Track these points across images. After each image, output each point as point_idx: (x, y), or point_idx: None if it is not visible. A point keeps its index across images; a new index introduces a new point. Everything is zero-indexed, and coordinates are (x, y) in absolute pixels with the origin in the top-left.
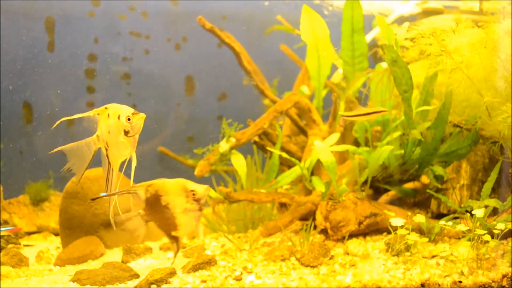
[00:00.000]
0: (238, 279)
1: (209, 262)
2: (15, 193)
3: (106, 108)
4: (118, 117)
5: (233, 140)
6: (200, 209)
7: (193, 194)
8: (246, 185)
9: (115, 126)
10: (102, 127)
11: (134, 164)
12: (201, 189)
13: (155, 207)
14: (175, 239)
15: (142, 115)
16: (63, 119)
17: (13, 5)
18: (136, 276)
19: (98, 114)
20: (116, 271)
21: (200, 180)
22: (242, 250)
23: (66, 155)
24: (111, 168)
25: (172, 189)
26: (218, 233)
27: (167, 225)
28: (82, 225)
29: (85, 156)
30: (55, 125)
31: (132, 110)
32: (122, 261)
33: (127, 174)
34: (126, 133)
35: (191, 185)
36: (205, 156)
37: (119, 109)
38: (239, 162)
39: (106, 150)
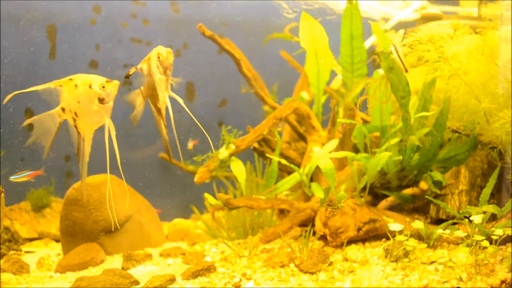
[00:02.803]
0: (237, 285)
1: (209, 269)
2: (17, 200)
3: (71, 79)
4: (90, 86)
5: (232, 146)
6: (165, 73)
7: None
8: (246, 192)
9: (86, 95)
10: (67, 98)
11: (113, 131)
12: (164, 51)
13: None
14: (159, 111)
15: (116, 82)
16: (15, 92)
17: (15, 12)
18: (136, 282)
19: (61, 86)
20: (116, 277)
21: (201, 186)
22: (242, 257)
23: (34, 128)
24: (81, 138)
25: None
26: (218, 240)
27: (156, 98)
28: (82, 232)
29: (50, 129)
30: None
31: (104, 78)
32: (122, 268)
33: (127, 179)
34: (101, 100)
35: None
36: (205, 162)
37: (90, 79)
38: (238, 168)
39: (75, 120)
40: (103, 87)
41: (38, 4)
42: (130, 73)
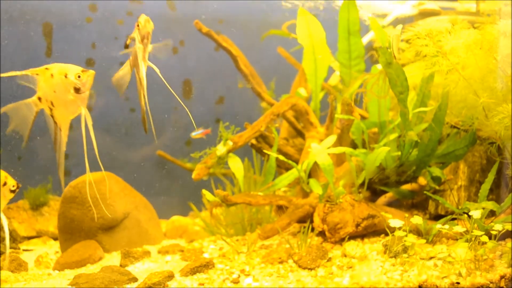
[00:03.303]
0: (236, 282)
1: (207, 265)
2: (14, 198)
3: (47, 68)
4: (65, 76)
5: (230, 143)
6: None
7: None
8: (244, 188)
9: (62, 84)
10: (44, 88)
11: (89, 121)
12: (142, 19)
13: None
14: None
15: (92, 72)
16: None
17: (11, 10)
18: (135, 279)
19: (37, 74)
20: (114, 274)
21: (198, 183)
22: (240, 253)
23: (10, 117)
24: (58, 128)
25: None
26: (216, 236)
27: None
28: (80, 229)
29: (27, 118)
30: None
31: (80, 68)
32: (121, 265)
33: (125, 176)
34: (77, 90)
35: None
36: (203, 159)
37: (66, 68)
38: (236, 165)
39: (51, 110)
40: (79, 76)
41: (34, 2)
42: (127, 42)
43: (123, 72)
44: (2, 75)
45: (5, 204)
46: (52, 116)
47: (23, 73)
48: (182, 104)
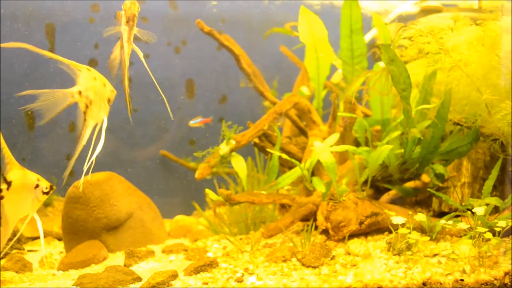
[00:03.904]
0: (240, 280)
1: (211, 264)
2: None
3: (89, 69)
4: (105, 85)
5: (233, 142)
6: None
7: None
8: (247, 187)
9: (103, 91)
10: (86, 85)
11: (105, 125)
12: (128, 1)
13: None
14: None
15: (115, 92)
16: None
17: (14, 11)
18: (139, 279)
19: (80, 71)
20: (118, 274)
21: (202, 182)
22: (244, 252)
23: (38, 95)
24: (86, 126)
25: None
26: (219, 235)
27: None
28: (84, 230)
29: (57, 104)
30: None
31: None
32: (125, 265)
33: (129, 176)
34: (108, 101)
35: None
36: (206, 158)
37: (104, 79)
38: (239, 164)
39: (87, 107)
40: (112, 91)
41: (37, 3)
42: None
43: (114, 54)
44: (43, 52)
45: (38, 206)
46: (85, 113)
47: (69, 62)
48: (163, 96)
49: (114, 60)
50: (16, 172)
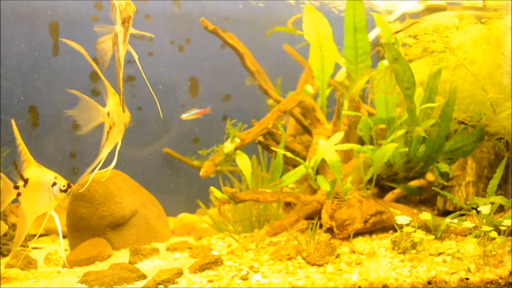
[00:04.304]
0: (245, 278)
1: (216, 262)
2: None
3: (115, 94)
4: (124, 111)
5: (237, 140)
6: (123, 24)
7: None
8: (251, 185)
9: (123, 116)
10: (113, 108)
11: (118, 146)
12: (123, 2)
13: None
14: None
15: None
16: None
17: (18, 10)
18: (144, 276)
19: (110, 94)
20: (123, 272)
21: (206, 181)
22: (248, 250)
23: (79, 101)
24: (106, 145)
25: None
26: (224, 233)
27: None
28: (89, 227)
29: (92, 118)
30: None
31: None
32: (129, 262)
33: (133, 174)
34: (124, 125)
35: None
36: (210, 157)
37: (124, 106)
38: (244, 162)
39: (110, 128)
40: (128, 116)
41: (41, 1)
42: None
43: (105, 46)
44: (92, 63)
45: (56, 204)
46: (107, 133)
47: (106, 84)
48: (154, 95)
49: (104, 53)
50: (33, 169)
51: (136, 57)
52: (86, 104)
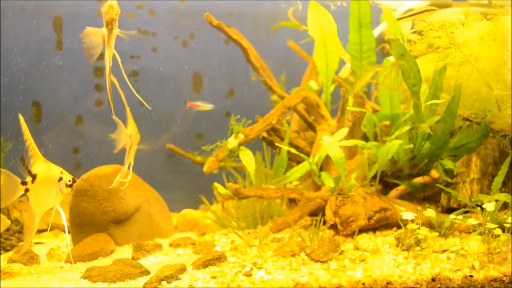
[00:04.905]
0: (248, 274)
1: (219, 258)
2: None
3: (132, 119)
4: (137, 132)
5: (241, 136)
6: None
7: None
8: (255, 181)
9: (137, 137)
10: (132, 131)
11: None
12: (106, 4)
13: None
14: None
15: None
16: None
17: (21, 5)
18: (147, 272)
19: (129, 118)
20: (126, 267)
21: (209, 177)
22: (252, 246)
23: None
24: (126, 163)
25: None
26: (227, 229)
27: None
28: (92, 223)
29: (121, 141)
30: None
31: None
32: (133, 258)
33: (136, 169)
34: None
35: None
36: (214, 152)
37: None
38: (247, 158)
39: (130, 147)
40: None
41: None
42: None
43: (93, 40)
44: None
45: (62, 199)
46: (128, 152)
47: (127, 109)
48: (133, 90)
49: (92, 47)
50: (40, 165)
51: (119, 60)
52: (120, 128)
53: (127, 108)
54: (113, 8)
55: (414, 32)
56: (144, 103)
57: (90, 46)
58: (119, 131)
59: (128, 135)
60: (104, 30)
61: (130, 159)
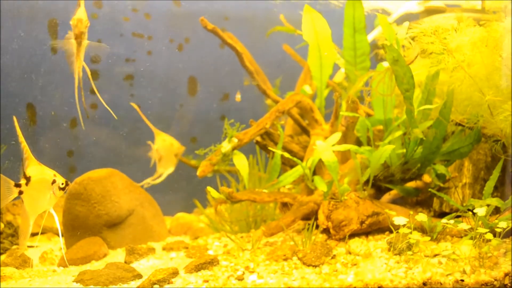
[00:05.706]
0: (240, 278)
1: (212, 262)
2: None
3: (159, 133)
4: (172, 144)
5: (235, 140)
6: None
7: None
8: (249, 185)
9: (171, 149)
10: (159, 145)
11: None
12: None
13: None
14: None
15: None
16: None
17: (16, 7)
18: (139, 276)
19: (156, 134)
20: (119, 271)
21: (203, 180)
22: (245, 250)
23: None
24: (157, 172)
25: None
26: (220, 233)
27: None
28: (85, 226)
29: (152, 156)
30: None
31: None
32: (125, 262)
33: (130, 173)
34: (175, 155)
35: None
36: (208, 156)
37: (172, 139)
38: (241, 162)
39: (159, 161)
40: (179, 148)
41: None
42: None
43: (70, 49)
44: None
45: (55, 202)
46: (158, 163)
47: (152, 127)
48: (99, 96)
49: (68, 53)
50: (34, 167)
51: (89, 73)
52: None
53: (151, 125)
54: (81, 22)
55: (408, 36)
56: (111, 112)
57: (68, 54)
58: (151, 148)
59: (154, 150)
60: (72, 40)
61: (161, 169)
